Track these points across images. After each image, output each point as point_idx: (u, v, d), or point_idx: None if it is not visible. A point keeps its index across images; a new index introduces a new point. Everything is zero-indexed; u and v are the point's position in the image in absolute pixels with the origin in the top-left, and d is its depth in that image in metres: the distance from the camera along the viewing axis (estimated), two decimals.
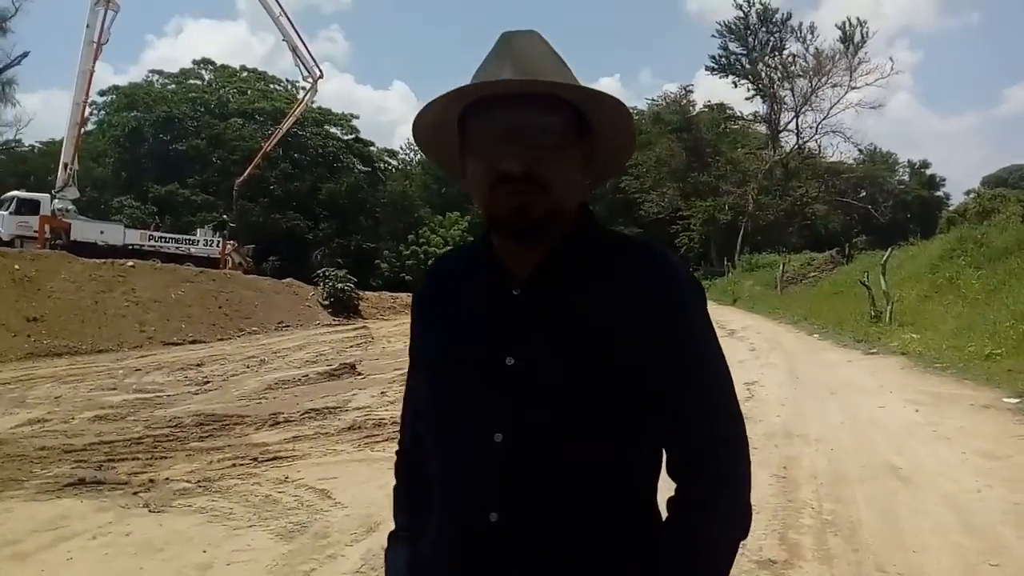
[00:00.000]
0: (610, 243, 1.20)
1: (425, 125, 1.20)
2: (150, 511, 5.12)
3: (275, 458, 6.65)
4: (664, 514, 1.18)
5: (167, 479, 6.01)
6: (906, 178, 62.81)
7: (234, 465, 6.44)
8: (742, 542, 1.17)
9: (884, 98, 69.03)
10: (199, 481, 5.90)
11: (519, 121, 1.09)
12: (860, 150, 46.70)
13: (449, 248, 1.24)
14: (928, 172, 63.73)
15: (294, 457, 6.69)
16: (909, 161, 64.42)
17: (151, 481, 5.95)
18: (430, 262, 1.40)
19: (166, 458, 6.88)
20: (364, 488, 5.43)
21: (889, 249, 18.75)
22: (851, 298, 18.19)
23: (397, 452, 1.41)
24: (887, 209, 46.07)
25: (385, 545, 1.38)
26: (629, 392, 1.12)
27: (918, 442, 6.35)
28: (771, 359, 12.27)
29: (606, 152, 1.21)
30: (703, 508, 1.13)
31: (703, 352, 1.17)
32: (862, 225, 52.30)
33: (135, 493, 5.58)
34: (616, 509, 1.14)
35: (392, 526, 1.39)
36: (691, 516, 1.14)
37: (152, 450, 7.23)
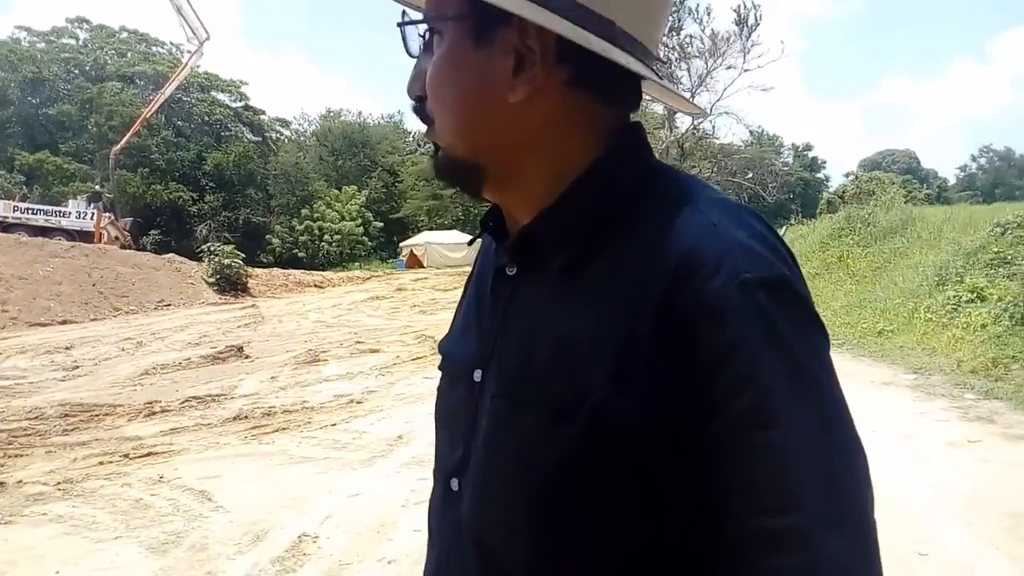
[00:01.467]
0: (629, 200, 0.72)
1: None
2: None
3: (149, 454, 5.98)
4: None
5: (20, 481, 5.28)
6: (791, 160, 65.61)
7: (101, 463, 5.75)
8: None
9: (773, 82, 71.66)
10: (59, 483, 5.20)
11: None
12: (751, 132, 48.24)
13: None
14: (811, 155, 66.98)
15: (171, 452, 6.03)
16: (793, 144, 67.41)
17: (1, 484, 5.21)
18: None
19: (21, 456, 6.09)
20: (250, 488, 4.88)
21: (784, 228, 19.28)
22: None
23: None
24: (774, 190, 47.75)
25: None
26: (612, 465, 0.66)
27: None
28: None
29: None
30: None
31: (759, 418, 0.61)
32: (750, 205, 54.29)
33: None
34: None
35: None
36: None
37: (6, 447, 6.40)
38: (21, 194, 31.85)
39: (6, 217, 26.21)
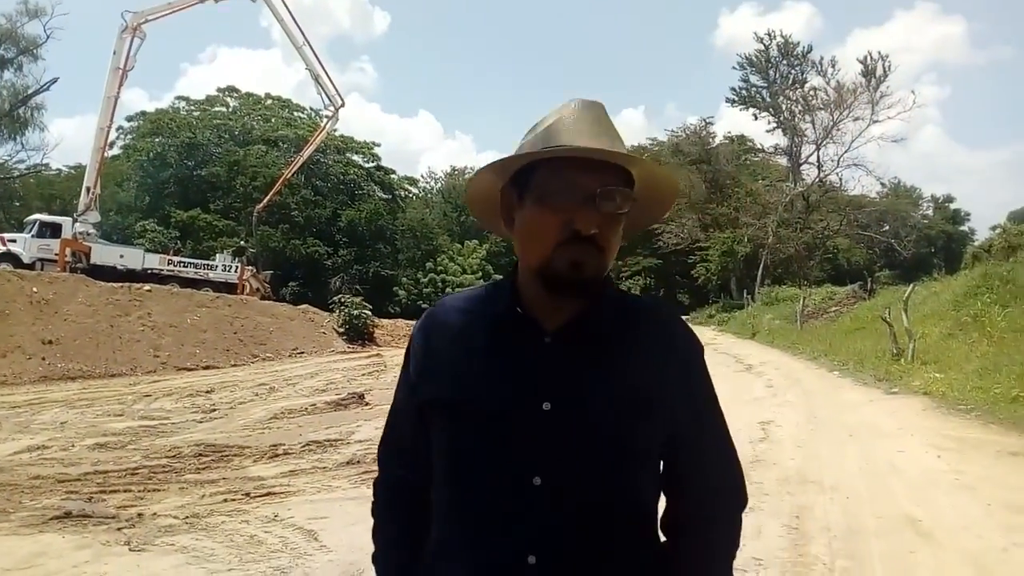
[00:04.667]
0: (626, 302, 1.30)
1: (484, 182, 1.30)
2: (130, 549, 4.94)
3: (268, 494, 6.45)
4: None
5: (155, 514, 5.83)
6: (930, 213, 62.23)
7: (225, 500, 6.25)
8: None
9: (908, 132, 68.40)
10: (187, 517, 5.71)
11: (601, 187, 1.16)
12: (883, 184, 46.19)
13: (452, 291, 1.74)
14: (952, 207, 63.31)
15: (287, 493, 6.49)
16: (933, 196, 63.97)
17: (139, 515, 5.78)
18: (432, 304, 1.40)
19: (158, 491, 6.72)
20: (353, 531, 5.20)
21: (911, 285, 18.31)
22: (872, 334, 17.77)
23: (382, 484, 1.44)
24: (910, 243, 45.34)
25: None
26: (656, 437, 1.23)
27: (940, 492, 6.03)
28: (788, 397, 11.94)
29: (639, 216, 1.30)
30: (712, 524, 1.30)
31: (709, 396, 1.31)
32: (885, 259, 51.64)
33: (119, 528, 5.41)
34: (638, 545, 1.23)
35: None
36: (703, 535, 1.29)
37: (146, 482, 7.07)
38: (175, 248, 34.77)
39: (161, 269, 28.57)
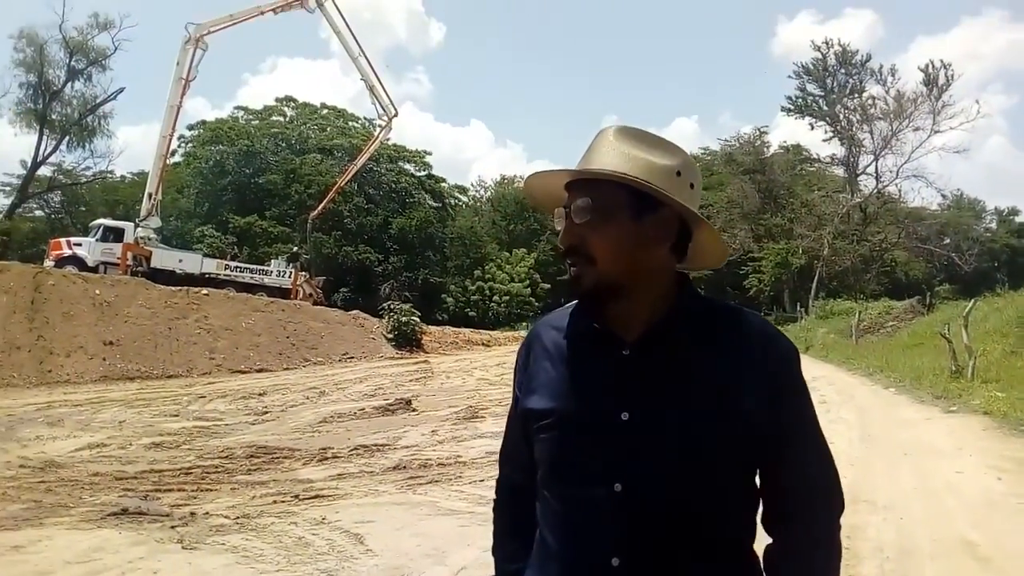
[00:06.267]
0: (713, 310, 1.33)
1: (535, 197, 1.40)
2: (183, 547, 5.07)
3: (316, 496, 6.55)
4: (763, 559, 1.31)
5: (207, 513, 5.97)
6: (994, 226, 60.29)
7: (275, 502, 6.37)
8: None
9: (972, 142, 66.17)
10: (237, 517, 5.84)
11: (569, 204, 1.28)
12: (944, 195, 44.86)
13: (553, 308, 1.62)
14: (1018, 220, 61.14)
15: (335, 496, 6.58)
16: (997, 208, 61.96)
17: (191, 514, 5.93)
18: (532, 323, 1.50)
19: (211, 490, 6.88)
20: (398, 536, 5.26)
21: (972, 301, 17.76)
22: (931, 350, 17.25)
23: (499, 484, 1.55)
24: (972, 257, 43.86)
25: None
26: (735, 444, 1.23)
27: (999, 515, 5.82)
28: (842, 413, 11.65)
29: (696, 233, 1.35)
30: (808, 527, 1.30)
31: (803, 400, 1.30)
32: (945, 273, 50.12)
33: (173, 527, 5.56)
34: (723, 552, 1.25)
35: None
36: (799, 537, 1.29)
37: (199, 481, 7.25)
38: (232, 253, 35.55)
39: (218, 274, 29.24)
